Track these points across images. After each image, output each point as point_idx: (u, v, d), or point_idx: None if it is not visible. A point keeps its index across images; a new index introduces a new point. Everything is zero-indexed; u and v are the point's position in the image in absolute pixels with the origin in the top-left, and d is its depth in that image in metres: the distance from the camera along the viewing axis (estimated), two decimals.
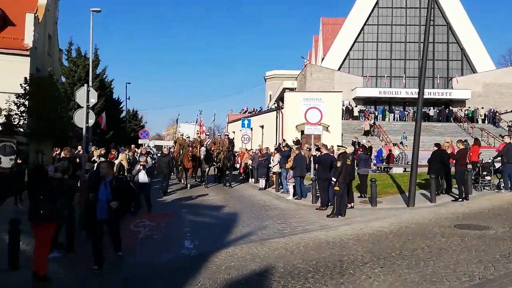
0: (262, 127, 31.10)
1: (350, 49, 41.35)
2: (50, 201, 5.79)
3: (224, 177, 17.86)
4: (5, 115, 19.65)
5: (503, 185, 12.21)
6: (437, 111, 35.70)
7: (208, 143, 19.36)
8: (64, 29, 65.71)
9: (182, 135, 19.57)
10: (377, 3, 40.80)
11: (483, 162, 13.35)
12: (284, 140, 18.26)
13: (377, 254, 6.40)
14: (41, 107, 19.77)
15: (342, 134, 26.83)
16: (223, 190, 16.30)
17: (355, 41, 41.22)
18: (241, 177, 20.28)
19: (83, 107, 7.99)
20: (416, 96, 11.71)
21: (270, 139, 27.50)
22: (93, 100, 8.00)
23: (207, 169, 17.32)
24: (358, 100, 37.52)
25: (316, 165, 12.71)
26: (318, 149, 12.62)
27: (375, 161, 20.66)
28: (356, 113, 35.47)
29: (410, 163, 11.87)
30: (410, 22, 41.18)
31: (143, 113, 59.79)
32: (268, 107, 44.89)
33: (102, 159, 11.49)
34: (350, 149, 11.87)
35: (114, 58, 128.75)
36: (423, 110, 35.48)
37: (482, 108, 34.73)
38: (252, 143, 27.08)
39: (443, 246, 6.66)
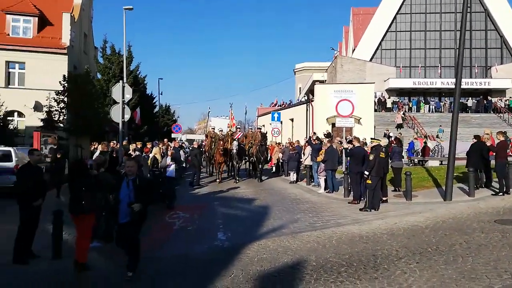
0: (292, 120, 30.95)
1: (382, 39, 40.22)
2: (90, 194, 6.05)
3: (257, 171, 17.53)
4: (46, 112, 20.66)
5: None
6: (475, 101, 34.16)
7: (239, 137, 19.07)
8: (98, 27, 68.12)
9: (214, 128, 19.58)
10: None
11: None
12: (314, 133, 17.99)
13: (412, 249, 6.27)
14: (79, 103, 20.60)
15: (374, 127, 26.28)
16: (254, 183, 16.39)
17: (387, 31, 40.05)
18: (273, 171, 20.25)
19: (119, 102, 8.24)
20: (453, 86, 11.28)
21: (300, 132, 27.33)
22: (128, 96, 8.25)
23: (239, 164, 16.97)
24: (391, 91, 36.51)
25: (348, 158, 12.54)
26: (350, 142, 12.44)
27: (407, 154, 20.12)
28: (389, 105, 34.57)
29: (447, 156, 11.47)
30: (445, 10, 39.51)
31: (175, 108, 61.00)
32: (298, 100, 44.55)
33: (138, 152, 11.84)
34: (383, 142, 11.63)
35: (146, 54, 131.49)
36: (460, 100, 34.23)
37: None
38: (282, 137, 27.03)
39: (483, 242, 6.43)
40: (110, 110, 8.64)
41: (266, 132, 20.14)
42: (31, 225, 6.58)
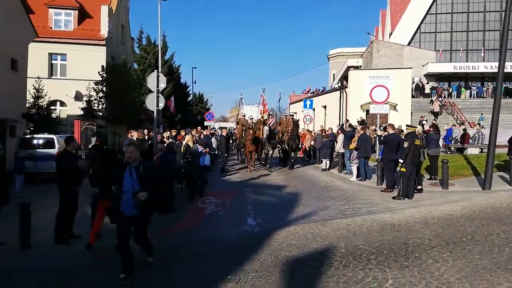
0: (324, 107, 30.54)
1: (421, 22, 38.61)
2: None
3: (289, 159, 17.10)
4: (86, 101, 21.60)
5: None
6: None
7: (272, 123, 18.28)
8: (135, 18, 69.84)
9: (244, 116, 19.32)
10: None
11: None
12: (347, 121, 17.59)
13: (446, 239, 6.11)
14: (116, 93, 21.38)
15: (411, 113, 25.43)
16: (285, 171, 16.39)
17: (426, 13, 38.37)
18: (307, 159, 20.07)
19: (153, 91, 8.48)
20: (496, 70, 10.66)
21: (333, 119, 26.94)
22: (162, 85, 8.46)
23: (271, 151, 16.50)
24: (430, 76, 35.05)
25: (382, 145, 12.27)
26: (384, 129, 12.15)
27: (445, 142, 19.37)
28: (427, 91, 33.24)
29: (487, 143, 10.96)
30: None
31: (208, 96, 61.69)
32: (331, 86, 43.79)
33: (171, 140, 12.16)
34: (419, 129, 11.28)
35: (180, 44, 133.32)
36: (504, 85, 32.37)
37: None
38: (314, 124, 26.76)
39: None
40: (145, 98, 8.90)
41: (299, 120, 19.73)
42: (70, 209, 7.01)
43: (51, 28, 24.35)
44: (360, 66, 38.78)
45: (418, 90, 32.57)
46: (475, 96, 32.94)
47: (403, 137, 10.59)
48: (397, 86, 22.67)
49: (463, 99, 32.05)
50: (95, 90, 21.77)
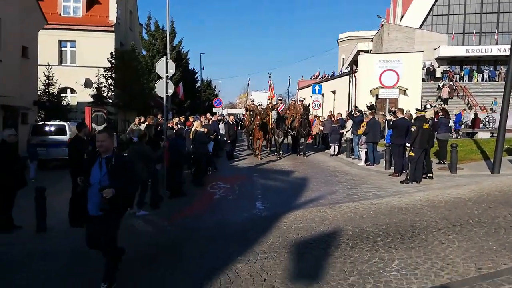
0: (333, 92, 30.33)
1: (434, 4, 37.73)
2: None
3: (298, 146, 16.74)
4: (95, 88, 21.79)
5: None
6: None
7: (282, 109, 17.60)
8: (143, 4, 69.31)
9: (253, 101, 18.95)
10: None
11: None
12: (356, 107, 17.31)
13: (452, 221, 6.17)
14: (125, 79, 21.49)
15: (421, 98, 25.15)
16: (293, 157, 16.37)
17: None
18: (317, 145, 19.91)
19: (163, 77, 8.56)
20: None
21: (342, 105, 26.78)
22: (171, 71, 8.51)
23: (281, 138, 15.77)
24: (442, 60, 34.45)
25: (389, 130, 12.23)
26: (394, 113, 12.09)
27: (455, 126, 19.21)
28: (438, 75, 32.74)
29: (498, 127, 10.86)
30: None
31: (216, 82, 61.63)
32: (340, 71, 43.37)
33: (180, 126, 12.29)
34: (429, 113, 11.21)
35: (188, 29, 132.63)
36: None
37: None
38: (323, 110, 26.65)
39: None
40: (155, 85, 9.00)
41: (309, 105, 19.35)
42: (82, 193, 7.17)
43: (60, 14, 24.47)
44: (370, 50, 38.24)
45: (429, 74, 32.11)
46: (487, 80, 32.34)
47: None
48: (408, 70, 22.46)
49: (475, 83, 31.53)
50: (104, 76, 21.92)
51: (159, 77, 9.03)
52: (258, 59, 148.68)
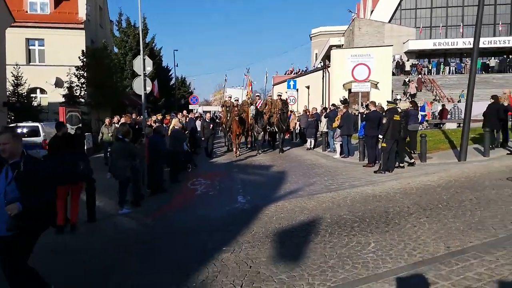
0: (308, 87, 30.82)
1: None
2: (84, 163, 6.81)
3: (277, 141, 16.54)
4: (67, 87, 21.28)
5: None
6: (498, 61, 33.05)
7: (260, 104, 17.35)
8: (112, 0, 67.92)
9: (230, 97, 18.50)
10: None
11: None
12: (333, 105, 17.27)
13: (423, 206, 6.57)
14: (98, 78, 21.09)
15: (392, 91, 25.97)
16: (272, 152, 16.62)
17: None
18: (293, 140, 20.02)
19: (140, 75, 8.59)
20: None
21: (316, 99, 27.30)
22: (149, 68, 8.58)
23: (261, 133, 15.76)
24: (411, 53, 35.61)
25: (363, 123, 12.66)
26: (367, 106, 12.54)
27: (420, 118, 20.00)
28: (407, 68, 33.84)
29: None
30: None
31: (190, 79, 61.16)
32: (314, 66, 43.99)
33: (158, 124, 12.30)
34: (404, 105, 11.65)
35: (160, 25, 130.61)
36: (483, 61, 33.21)
37: None
38: (298, 105, 27.05)
39: (493, 197, 6.67)
40: (133, 83, 9.01)
41: (287, 99, 19.14)
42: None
43: (27, 12, 23.71)
44: (342, 45, 38.99)
45: (398, 68, 33.14)
46: (454, 72, 33.73)
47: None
48: (378, 64, 23.12)
49: (442, 76, 32.79)
50: (76, 75, 21.44)
51: (133, 75, 9.09)
52: (232, 56, 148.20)
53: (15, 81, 19.91)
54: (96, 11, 27.47)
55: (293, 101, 24.17)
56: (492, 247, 4.59)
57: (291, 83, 24.45)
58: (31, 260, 3.67)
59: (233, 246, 5.35)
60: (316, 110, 18.27)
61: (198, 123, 17.02)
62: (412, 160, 10.63)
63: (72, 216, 6.77)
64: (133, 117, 14.44)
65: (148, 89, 8.83)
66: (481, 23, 10.71)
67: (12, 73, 19.63)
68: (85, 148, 16.10)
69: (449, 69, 34.08)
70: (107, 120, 14.20)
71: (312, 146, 16.39)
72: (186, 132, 13.11)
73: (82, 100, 21.83)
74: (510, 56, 33.12)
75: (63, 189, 6.56)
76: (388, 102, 11.78)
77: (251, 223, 6.48)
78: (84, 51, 22.21)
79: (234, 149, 15.67)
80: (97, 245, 6.12)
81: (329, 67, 26.99)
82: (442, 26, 38.01)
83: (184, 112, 19.22)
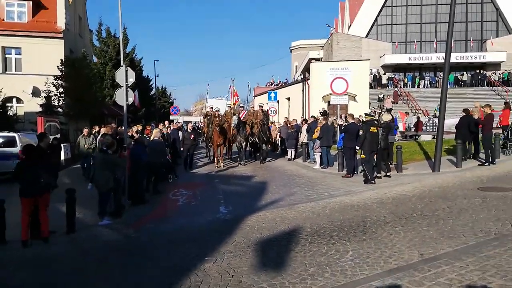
0: (288, 99, 31.24)
1: (378, 15, 40.11)
2: (45, 175, 6.76)
3: (261, 153, 16.26)
4: (45, 97, 20.91)
5: None
6: (470, 75, 34.46)
7: (244, 115, 17.02)
8: (92, 10, 67.36)
9: (212, 107, 18.09)
10: None
11: None
12: (313, 117, 17.44)
13: (399, 215, 6.82)
14: (77, 88, 20.82)
15: (370, 103, 26.64)
16: (253, 163, 16.69)
17: (383, 6, 39.89)
18: (274, 151, 19.63)
19: (121, 86, 8.63)
20: None
21: (296, 111, 27.69)
22: (131, 79, 8.62)
23: (244, 143, 15.66)
24: (387, 67, 36.73)
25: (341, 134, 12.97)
26: (346, 118, 12.87)
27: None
28: (384, 81, 34.84)
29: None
30: None
31: (171, 89, 60.92)
32: (294, 78, 44.67)
33: (140, 135, 12.26)
34: (386, 117, 12.00)
35: (140, 35, 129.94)
36: (455, 74, 34.57)
37: None
38: (278, 116, 27.39)
39: (464, 206, 6.98)
40: (115, 93, 9.03)
41: (268, 110, 19.02)
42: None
43: (4, 20, 23.27)
44: (321, 58, 39.85)
45: (376, 81, 34.07)
46: (429, 85, 34.92)
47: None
48: (356, 78, 23.72)
49: (417, 89, 33.89)
50: (54, 85, 21.10)
51: (112, 85, 9.13)
52: (213, 67, 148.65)
53: None
54: (76, 21, 27.24)
55: (274, 113, 24.49)
56: (462, 254, 4.82)
57: (272, 94, 24.79)
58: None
59: (215, 256, 5.43)
60: (296, 122, 18.56)
61: (180, 133, 16.95)
62: (389, 173, 10.93)
63: (43, 229, 6.61)
64: (113, 127, 14.34)
65: (131, 99, 8.86)
66: (452, 38, 11.25)
67: None
68: (64, 158, 15.93)
69: (424, 82, 35.28)
70: (85, 131, 13.91)
71: (292, 157, 16.61)
72: (167, 143, 13.11)
73: (60, 110, 21.49)
74: (481, 71, 34.63)
75: (28, 202, 6.46)
76: (365, 114, 12.16)
77: (233, 233, 6.57)
78: (63, 60, 21.92)
79: (215, 159, 15.61)
80: (76, 255, 6.08)
81: (308, 79, 27.49)
82: (416, 42, 39.37)
83: (166, 122, 19.16)
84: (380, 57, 36.27)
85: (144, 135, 13.48)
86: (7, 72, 22.87)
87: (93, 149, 12.98)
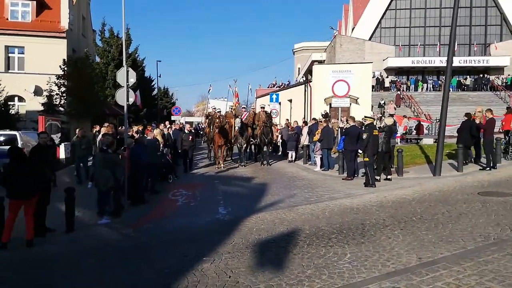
0: (290, 101, 31.23)
1: (382, 18, 40.10)
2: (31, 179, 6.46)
3: (262, 154, 16.22)
4: (46, 96, 20.98)
5: None
6: (473, 79, 34.37)
7: (246, 117, 16.98)
8: (96, 10, 67.60)
9: (214, 108, 17.82)
10: None
11: None
12: (314, 119, 17.45)
13: (398, 218, 6.80)
14: (79, 87, 20.88)
15: (372, 106, 26.60)
16: (254, 164, 16.65)
17: (387, 9, 39.88)
18: (276, 153, 19.65)
19: (122, 86, 8.64)
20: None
21: (298, 113, 27.66)
22: (132, 80, 8.63)
23: (244, 145, 15.66)
24: (390, 70, 36.67)
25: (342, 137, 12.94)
26: (347, 121, 12.85)
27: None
28: (387, 84, 34.79)
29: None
30: None
31: (173, 90, 61.05)
32: (296, 80, 44.69)
33: (141, 135, 12.27)
34: (389, 121, 11.98)
35: (143, 36, 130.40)
36: (458, 78, 34.48)
37: None
38: (280, 118, 27.37)
39: (464, 211, 6.95)
40: (116, 93, 9.03)
41: (270, 112, 18.94)
42: (42, 203, 7.03)
43: (8, 19, 23.40)
44: (324, 60, 39.87)
45: (378, 84, 34.02)
46: (431, 89, 34.84)
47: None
48: (359, 80, 23.68)
49: (420, 92, 33.81)
50: (56, 84, 21.17)
51: (114, 85, 9.15)
52: (216, 68, 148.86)
53: None
54: (79, 21, 27.33)
55: (275, 114, 24.46)
56: (461, 258, 4.80)
57: (274, 96, 24.77)
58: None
59: (213, 256, 5.42)
60: (297, 124, 18.54)
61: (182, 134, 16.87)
62: (390, 177, 10.90)
63: (28, 233, 6.45)
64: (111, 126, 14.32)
65: (132, 100, 8.87)
66: (455, 42, 11.24)
67: None
68: (64, 157, 15.96)
69: (427, 86, 35.20)
70: (79, 132, 13.18)
71: (293, 159, 16.59)
72: (167, 143, 13.09)
73: (62, 109, 21.55)
74: (485, 75, 34.53)
75: (15, 204, 6.37)
76: (366, 117, 12.14)
77: (232, 233, 6.56)
78: (66, 60, 21.99)
79: (216, 160, 15.59)
80: (75, 255, 6.08)
81: (311, 81, 27.47)
82: (420, 45, 39.34)
83: (167, 123, 19.18)
84: (383, 60, 36.24)
85: (145, 135, 13.50)
86: (10, 71, 22.95)
87: (89, 148, 12.83)
